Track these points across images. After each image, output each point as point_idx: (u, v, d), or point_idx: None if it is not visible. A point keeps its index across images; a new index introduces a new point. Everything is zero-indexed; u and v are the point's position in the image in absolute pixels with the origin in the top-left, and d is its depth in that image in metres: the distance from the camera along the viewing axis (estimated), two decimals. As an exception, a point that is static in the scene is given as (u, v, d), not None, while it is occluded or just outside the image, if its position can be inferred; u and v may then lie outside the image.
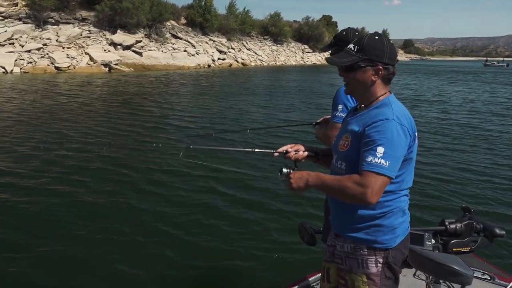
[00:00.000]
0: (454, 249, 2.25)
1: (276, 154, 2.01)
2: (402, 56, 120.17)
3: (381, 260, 1.74)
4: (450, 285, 2.28)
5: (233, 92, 18.41)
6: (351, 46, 1.76)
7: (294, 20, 70.87)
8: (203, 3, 43.32)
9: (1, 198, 5.00)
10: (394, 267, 1.75)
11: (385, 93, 1.77)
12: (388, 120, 1.63)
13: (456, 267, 1.87)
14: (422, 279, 2.41)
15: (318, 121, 2.86)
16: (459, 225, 2.29)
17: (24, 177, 5.81)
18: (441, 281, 2.23)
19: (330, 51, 2.55)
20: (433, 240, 2.21)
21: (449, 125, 11.55)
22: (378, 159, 1.58)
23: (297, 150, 2.01)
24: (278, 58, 51.16)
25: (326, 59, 1.94)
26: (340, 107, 2.49)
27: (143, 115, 11.50)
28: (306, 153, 2.01)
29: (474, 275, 2.41)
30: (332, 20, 79.72)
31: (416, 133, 1.75)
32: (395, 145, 1.61)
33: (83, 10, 31.59)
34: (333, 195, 1.74)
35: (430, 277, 2.25)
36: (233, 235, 4.42)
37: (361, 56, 1.72)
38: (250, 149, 2.12)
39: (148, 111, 12.35)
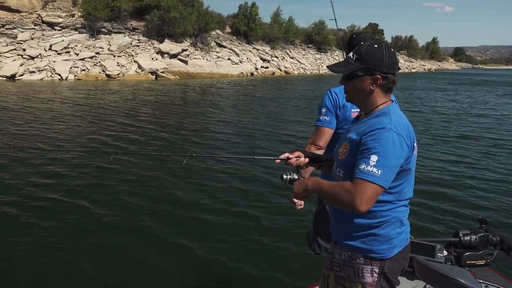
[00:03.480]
0: (468, 262, 2.19)
1: (277, 161, 2.03)
2: (452, 65, 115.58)
3: (377, 270, 1.73)
4: None
5: (252, 101, 18.28)
6: (350, 54, 1.77)
7: (339, 28, 70.17)
8: (248, 12, 43.97)
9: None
10: (390, 278, 1.74)
11: (385, 102, 1.77)
12: (385, 129, 1.62)
13: (462, 281, 1.82)
14: None
15: None
16: (473, 237, 2.24)
17: (25, 184, 5.92)
18: None
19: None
20: (445, 252, 2.17)
21: (475, 137, 11.04)
22: (371, 167, 1.58)
23: (298, 157, 2.02)
24: (322, 66, 50.81)
25: (327, 66, 1.99)
26: (323, 110, 2.50)
27: (158, 122, 11.56)
28: (307, 159, 2.03)
29: None
30: (378, 28, 78.24)
31: (415, 144, 1.73)
32: (390, 155, 1.60)
33: (134, 20, 33.02)
34: (328, 201, 1.77)
35: None
36: (233, 242, 4.38)
37: (359, 65, 1.72)
38: (251, 157, 2.16)
39: (165, 118, 12.39)
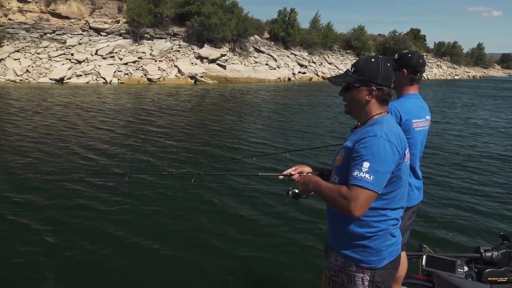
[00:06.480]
0: (490, 278, 2.17)
1: (280, 177, 2.15)
2: (499, 72, 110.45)
3: (368, 278, 1.80)
4: None
5: (281, 108, 18.03)
6: (349, 67, 1.90)
7: (379, 34, 69.06)
8: (287, 18, 44.08)
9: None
10: (381, 287, 1.80)
11: (380, 113, 1.85)
12: (376, 137, 1.71)
13: None
14: None
15: None
16: (495, 253, 2.22)
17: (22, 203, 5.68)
18: None
19: None
20: (466, 268, 2.17)
21: (495, 151, 10.51)
22: (363, 173, 1.67)
23: (301, 172, 2.12)
24: (360, 72, 50.04)
25: (327, 78, 2.10)
26: None
27: (176, 132, 11.12)
28: (310, 174, 2.11)
29: None
30: (420, 33, 76.22)
31: (406, 151, 1.81)
32: (381, 161, 1.68)
33: (175, 26, 33.92)
34: (326, 203, 1.85)
35: None
36: (247, 256, 4.34)
37: (356, 77, 1.83)
38: (255, 174, 2.32)
39: (186, 127, 11.95)
